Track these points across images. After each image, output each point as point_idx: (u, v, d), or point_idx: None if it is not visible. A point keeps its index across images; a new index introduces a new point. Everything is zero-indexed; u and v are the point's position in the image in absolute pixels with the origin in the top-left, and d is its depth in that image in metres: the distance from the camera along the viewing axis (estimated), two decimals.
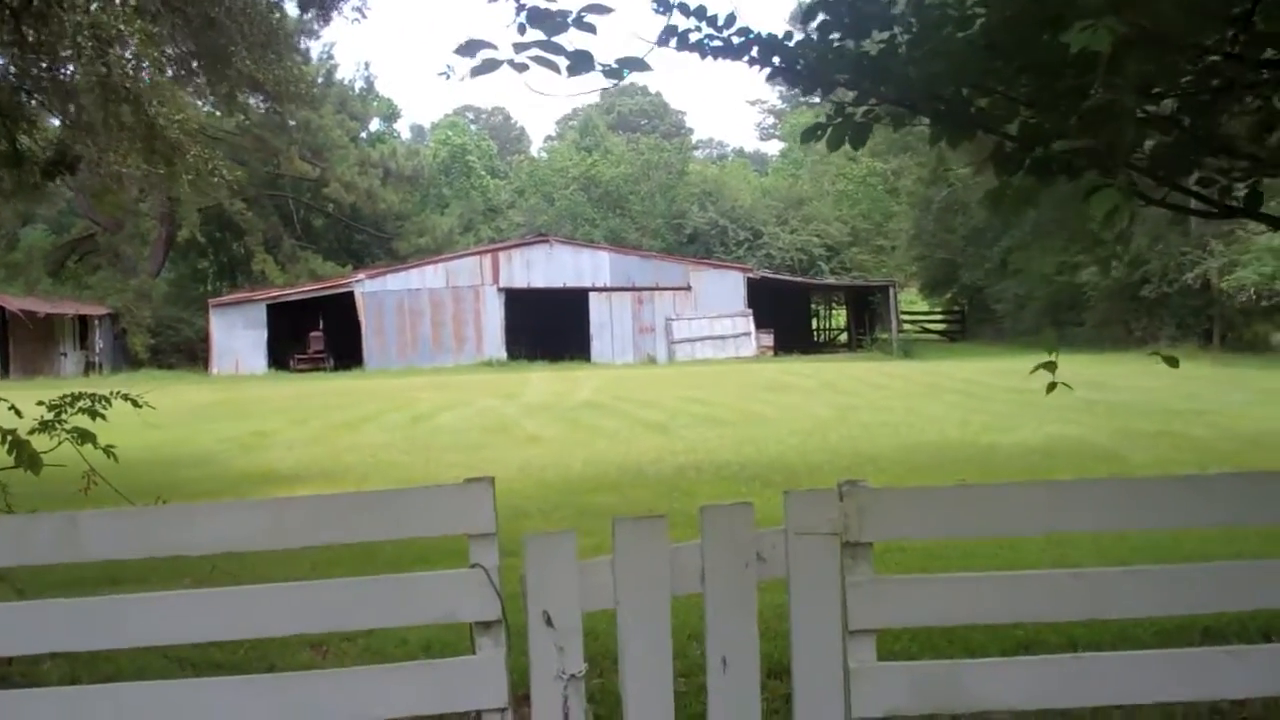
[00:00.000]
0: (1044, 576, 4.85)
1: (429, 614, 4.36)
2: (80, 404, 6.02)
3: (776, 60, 5.98)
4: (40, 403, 6.15)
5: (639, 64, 4.59)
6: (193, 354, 51.77)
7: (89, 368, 49.98)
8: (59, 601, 4.29)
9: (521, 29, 4.29)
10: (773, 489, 13.65)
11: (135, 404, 6.30)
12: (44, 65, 14.00)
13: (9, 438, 5.49)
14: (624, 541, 4.33)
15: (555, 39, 4.01)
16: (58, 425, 6.01)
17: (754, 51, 5.87)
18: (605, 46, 4.50)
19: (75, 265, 60.61)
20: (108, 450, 5.87)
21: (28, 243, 59.84)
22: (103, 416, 6.07)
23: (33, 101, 16.05)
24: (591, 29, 4.26)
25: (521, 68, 3.96)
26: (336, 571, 9.11)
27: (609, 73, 4.54)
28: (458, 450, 18.62)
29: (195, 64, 16.87)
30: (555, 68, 4.08)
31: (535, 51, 3.97)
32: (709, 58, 5.88)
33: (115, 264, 55.84)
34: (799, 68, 6.03)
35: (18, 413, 5.99)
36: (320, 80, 60.50)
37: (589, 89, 4.68)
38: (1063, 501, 4.44)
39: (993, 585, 4.49)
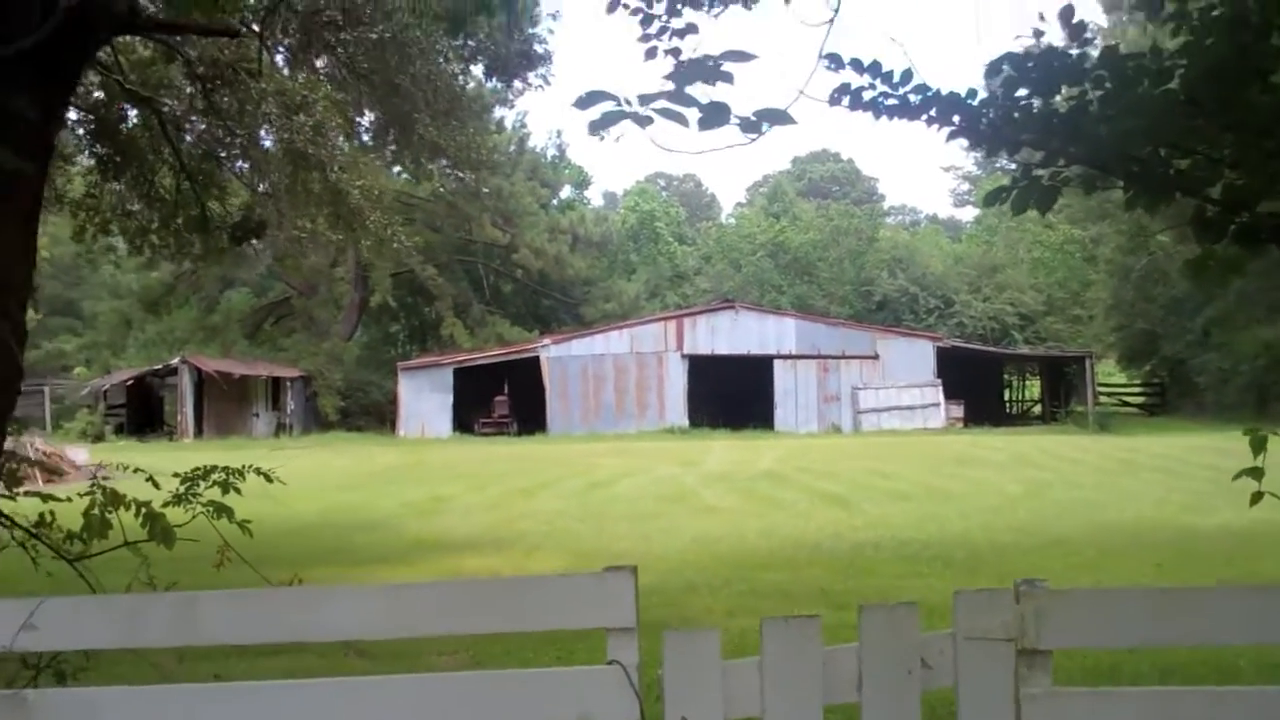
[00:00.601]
0: (1254, 694, 4.27)
1: (560, 714, 3.98)
2: (214, 477, 5.78)
3: (957, 119, 5.53)
4: (176, 474, 5.97)
5: (782, 116, 4.22)
6: (381, 416, 52.76)
7: (280, 429, 51.30)
8: None
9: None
10: (954, 570, 13.06)
11: (268, 479, 6.04)
12: (233, 132, 14.22)
13: (143, 510, 5.31)
14: (772, 643, 3.93)
15: (690, 90, 3.66)
16: (191, 499, 5.75)
17: (933, 110, 5.45)
18: (773, 102, 4.15)
19: (271, 328, 62.49)
20: (243, 525, 5.59)
21: (226, 306, 61.91)
22: (237, 490, 5.82)
23: (222, 169, 16.38)
24: (729, 78, 3.91)
25: (645, 121, 3.63)
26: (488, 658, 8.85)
27: (746, 126, 4.18)
28: (632, 519, 18.33)
29: (387, 134, 17.09)
30: (683, 120, 3.73)
31: (662, 103, 3.63)
32: (884, 117, 5.48)
33: (309, 327, 57.36)
34: (982, 127, 5.57)
35: (155, 484, 5.79)
36: (512, 148, 61.51)
37: (730, 143, 4.31)
38: (1275, 607, 3.91)
39: (1194, 701, 3.96)
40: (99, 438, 48.09)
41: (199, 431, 49.11)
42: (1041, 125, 5.35)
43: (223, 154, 15.78)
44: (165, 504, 5.60)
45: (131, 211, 17.41)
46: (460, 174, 55.32)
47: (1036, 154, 5.72)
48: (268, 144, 16.17)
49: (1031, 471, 25.41)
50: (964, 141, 5.59)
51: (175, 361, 49.51)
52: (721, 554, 14.65)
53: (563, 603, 4.05)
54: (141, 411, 53.68)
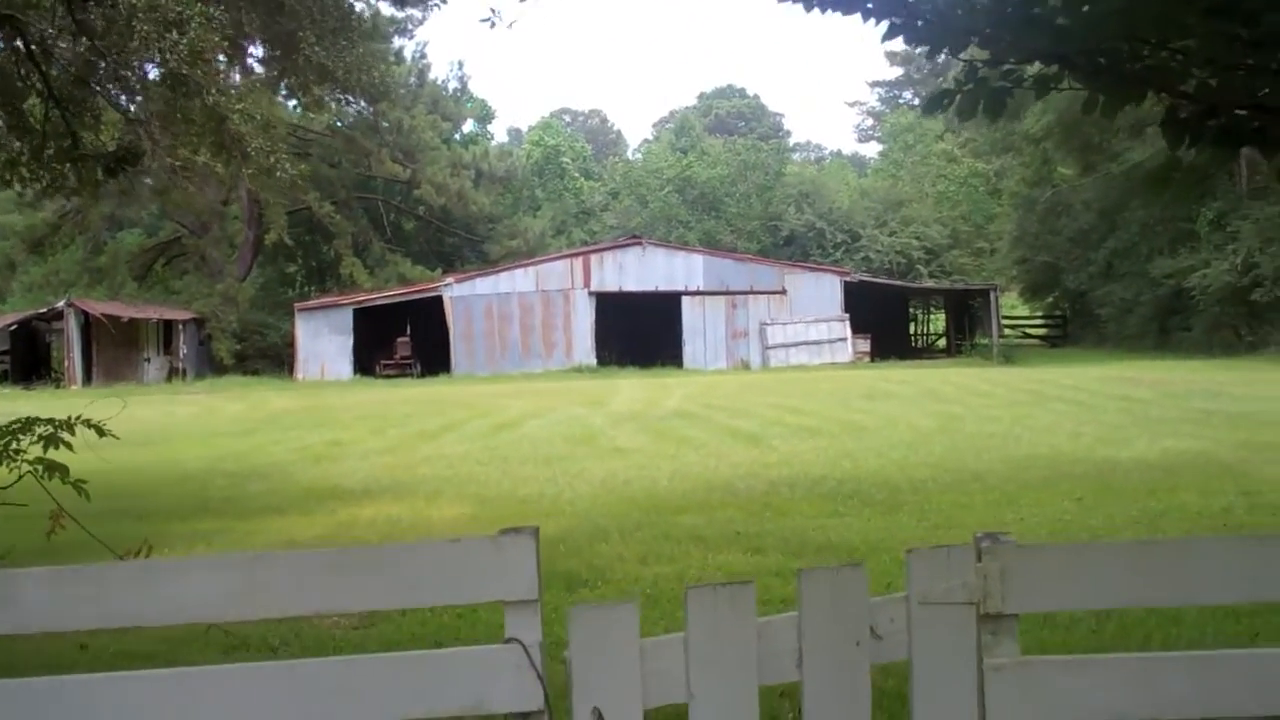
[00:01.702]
0: (1247, 658, 3.74)
1: (451, 700, 3.38)
2: (39, 429, 4.95)
3: (896, 15, 4.89)
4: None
5: None
6: (279, 359, 51.56)
7: (173, 374, 49.84)
8: None
9: None
10: (873, 508, 12.64)
11: (100, 432, 5.20)
12: (104, 53, 13.24)
13: None
14: (699, 617, 3.34)
15: None
16: (14, 456, 4.92)
17: (869, 3, 4.81)
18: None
19: (162, 269, 60.80)
20: (77, 485, 4.78)
21: (114, 246, 60.06)
22: (68, 446, 5.01)
23: (94, 95, 15.35)
24: None
25: None
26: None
27: None
28: (538, 462, 17.72)
29: (273, 57, 16.15)
30: None
31: None
32: (816, 9, 4.84)
33: (201, 268, 55.84)
34: (923, 21, 4.92)
35: None
36: (412, 80, 60.24)
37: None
38: (1270, 560, 3.46)
39: (1180, 668, 3.48)
40: None
41: (88, 378, 47.55)
42: (993, 17, 4.72)
43: (93, 78, 14.75)
44: None
45: None
46: (353, 101, 54.12)
47: (983, 54, 5.11)
48: (145, 68, 15.21)
49: (942, 405, 25.16)
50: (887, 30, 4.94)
51: (61, 305, 47.80)
52: (632, 497, 14.11)
53: (451, 572, 3.46)
54: (28, 358, 51.89)
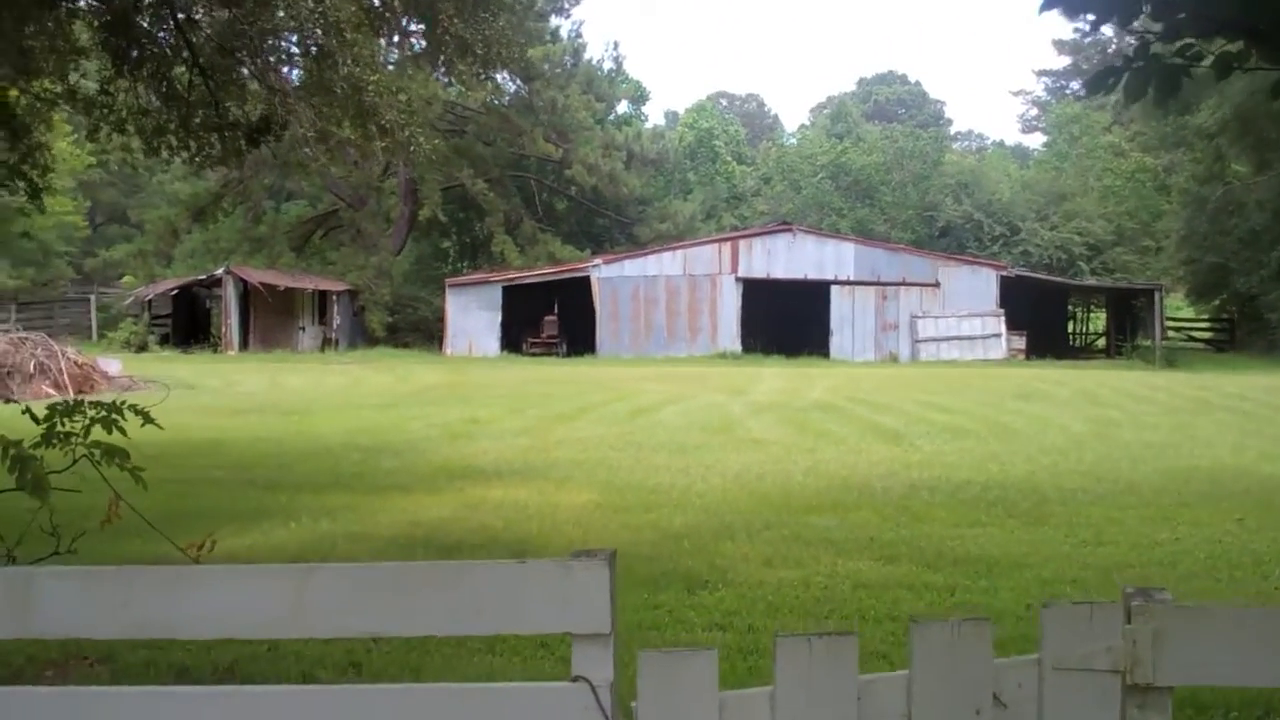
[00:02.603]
0: None
1: None
2: (90, 413, 4.59)
3: None
4: (28, 412, 4.73)
5: None
6: (429, 333, 52.04)
7: (326, 343, 50.68)
8: None
9: None
10: (1017, 519, 11.96)
11: (148, 419, 4.80)
12: (247, 23, 13.13)
13: (10, 451, 4.14)
14: (789, 669, 2.86)
15: None
16: (73, 439, 4.54)
17: None
18: None
19: (319, 241, 61.80)
20: (135, 473, 4.41)
21: (272, 217, 61.21)
22: (120, 430, 4.62)
23: (239, 65, 15.32)
24: None
25: None
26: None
27: None
28: (672, 450, 17.33)
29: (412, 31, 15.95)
30: None
31: None
32: None
33: (357, 240, 56.58)
34: None
35: (34, 418, 4.64)
36: (567, 59, 60.16)
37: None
38: None
39: None
40: (142, 348, 47.68)
41: (244, 344, 48.57)
42: None
43: (237, 48, 14.70)
44: (35, 444, 4.40)
45: (147, 110, 16.49)
46: (508, 79, 54.26)
47: (1156, 25, 4.49)
48: (287, 38, 15.14)
49: (1098, 409, 24.15)
50: (1059, 29, 4.32)
51: (220, 272, 48.88)
52: (764, 492, 13.61)
53: (515, 597, 3.09)
54: (187, 322, 53.23)
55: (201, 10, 15.17)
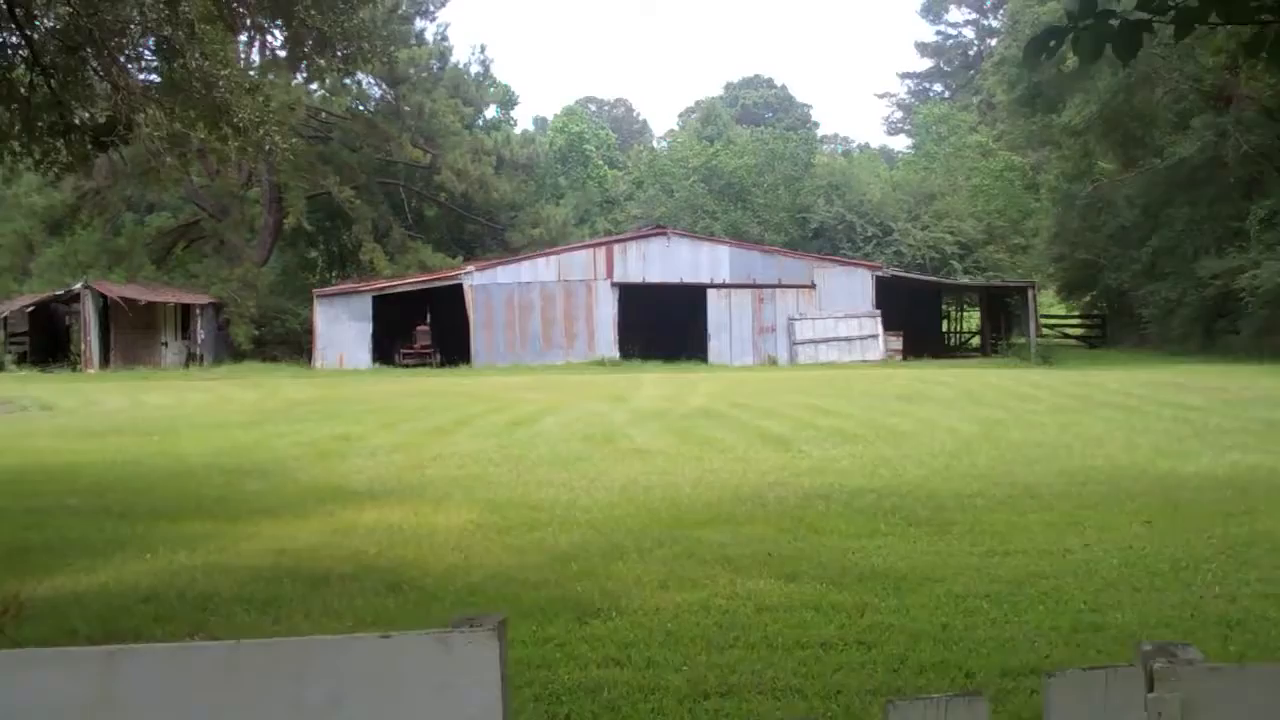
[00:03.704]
0: None
1: None
2: None
3: None
4: None
5: None
6: (298, 346, 50.69)
7: (190, 359, 49.10)
8: None
9: None
10: (919, 528, 11.45)
11: None
12: (92, 15, 12.14)
13: None
14: None
15: None
16: None
17: None
18: None
19: (182, 252, 60.07)
20: None
21: (132, 229, 59.32)
22: None
23: (86, 63, 14.26)
24: None
25: None
26: None
27: None
28: (554, 464, 16.62)
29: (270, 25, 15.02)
30: None
31: None
32: None
33: (221, 252, 55.07)
34: None
35: None
36: (433, 63, 59.17)
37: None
38: None
39: None
40: None
41: (105, 361, 46.79)
42: None
43: (82, 44, 13.65)
44: None
45: None
46: (373, 83, 53.21)
47: None
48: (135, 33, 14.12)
49: (983, 410, 23.91)
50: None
51: (78, 287, 47.01)
52: (653, 506, 12.97)
53: (379, 684, 2.33)
54: (46, 340, 51.19)
55: (40, 5, 14.08)
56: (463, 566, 10.03)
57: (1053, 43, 3.96)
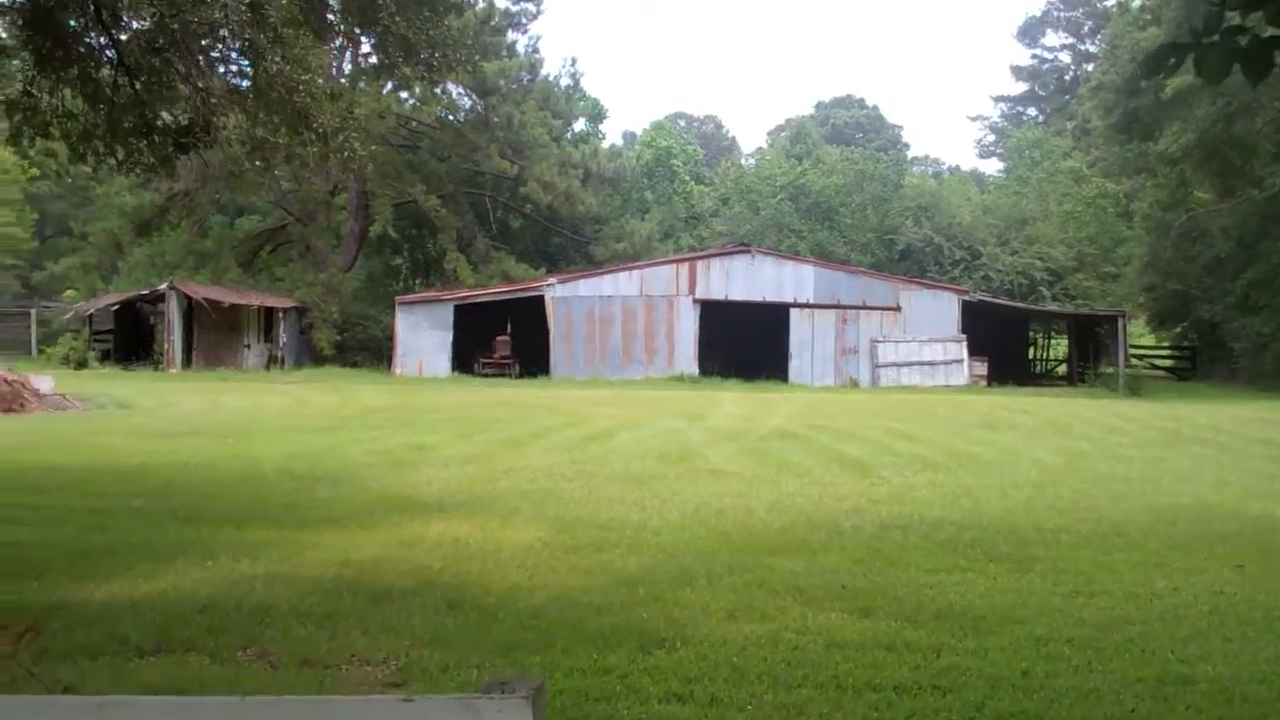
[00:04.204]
0: None
1: None
2: None
3: None
4: None
5: None
6: (379, 352, 50.75)
7: (272, 361, 49.33)
8: None
9: None
10: (999, 564, 11.05)
11: None
12: (176, 16, 12.09)
13: None
14: None
15: None
16: None
17: None
18: None
19: (267, 256, 60.51)
20: None
21: (219, 231, 59.93)
22: None
23: (170, 65, 14.24)
24: None
25: None
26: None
27: None
28: (627, 481, 16.38)
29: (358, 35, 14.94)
30: None
31: None
32: None
33: (306, 257, 55.38)
34: None
35: None
36: (524, 75, 59.13)
37: None
38: None
39: None
40: (82, 364, 46.20)
41: (187, 361, 47.15)
42: None
43: (166, 46, 13.62)
44: None
45: (73, 114, 15.39)
46: (457, 93, 53.23)
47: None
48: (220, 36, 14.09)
49: (1068, 440, 23.36)
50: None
51: (163, 287, 47.46)
52: (725, 530, 12.68)
53: None
54: (130, 338, 51.72)
55: (127, 6, 14.07)
56: (526, 586, 9.80)
57: (1173, 60, 3.63)
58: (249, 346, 49.34)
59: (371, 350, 51.30)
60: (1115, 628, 8.66)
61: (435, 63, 12.76)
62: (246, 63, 13.29)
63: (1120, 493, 16.13)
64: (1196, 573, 10.78)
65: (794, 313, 47.88)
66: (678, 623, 8.59)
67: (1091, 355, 53.85)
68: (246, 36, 10.98)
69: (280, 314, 50.20)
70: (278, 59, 10.91)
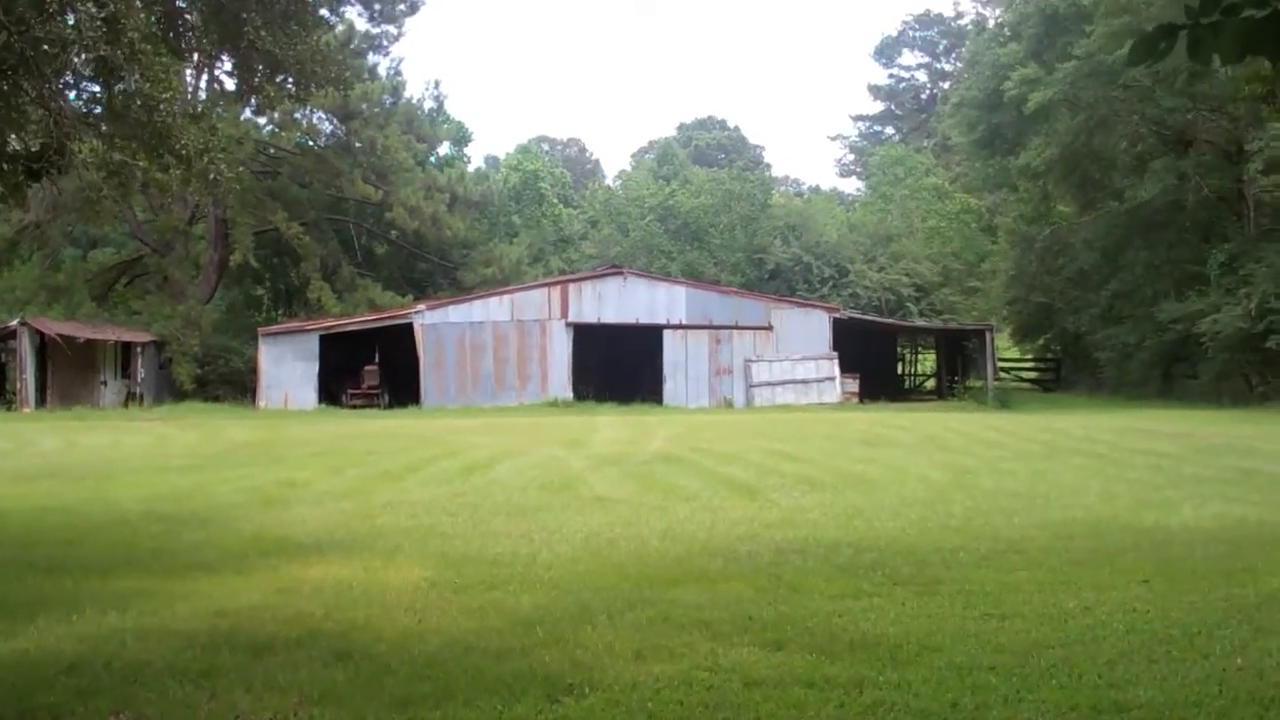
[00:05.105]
0: None
1: None
2: None
3: None
4: None
5: None
6: (242, 386, 49.40)
7: (130, 398, 47.70)
8: None
9: None
10: (904, 587, 10.69)
11: None
12: (20, 33, 11.30)
13: None
14: None
15: None
16: None
17: None
18: None
19: (123, 289, 58.74)
20: None
21: (72, 264, 58.01)
22: None
23: (19, 88, 13.35)
24: None
25: None
26: None
27: None
28: (511, 513, 15.79)
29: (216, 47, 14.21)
30: None
31: None
32: None
33: (164, 289, 53.81)
34: None
35: None
36: (386, 98, 58.32)
37: None
38: None
39: None
40: None
41: (41, 400, 45.35)
42: None
43: (15, 67, 12.78)
44: None
45: None
46: (318, 117, 52.23)
47: None
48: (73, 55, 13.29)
49: (949, 455, 23.34)
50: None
51: (14, 323, 45.60)
52: (619, 562, 12.16)
53: None
54: None
55: None
56: (417, 631, 9.19)
57: (1163, 44, 3.27)
58: (106, 383, 47.62)
59: (234, 384, 49.92)
60: (1036, 652, 8.34)
61: (304, 80, 12.11)
62: (100, 84, 12.49)
63: (1011, 508, 15.97)
64: (1104, 589, 10.54)
65: (667, 334, 47.74)
66: (583, 666, 8.07)
67: (960, 369, 54.60)
68: (101, 53, 10.23)
69: (138, 349, 48.57)
70: (135, 77, 10.21)
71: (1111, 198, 48.04)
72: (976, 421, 33.38)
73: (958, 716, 7.01)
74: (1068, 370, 57.01)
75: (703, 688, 7.56)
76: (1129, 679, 7.72)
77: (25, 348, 45.20)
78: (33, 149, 13.89)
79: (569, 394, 46.61)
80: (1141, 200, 44.54)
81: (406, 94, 62.57)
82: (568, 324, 47.54)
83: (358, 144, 54.65)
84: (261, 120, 51.92)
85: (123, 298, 57.78)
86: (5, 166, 13.86)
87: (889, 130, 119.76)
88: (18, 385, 45.86)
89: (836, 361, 47.12)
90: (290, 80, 12.23)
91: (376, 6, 50.30)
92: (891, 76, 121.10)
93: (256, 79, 12.62)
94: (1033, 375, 60.44)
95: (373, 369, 47.94)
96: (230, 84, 18.01)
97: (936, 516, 15.30)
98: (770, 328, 47.87)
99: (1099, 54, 41.68)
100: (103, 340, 47.27)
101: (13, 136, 14.19)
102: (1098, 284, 49.17)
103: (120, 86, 10.97)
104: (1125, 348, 46.80)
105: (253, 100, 18.57)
